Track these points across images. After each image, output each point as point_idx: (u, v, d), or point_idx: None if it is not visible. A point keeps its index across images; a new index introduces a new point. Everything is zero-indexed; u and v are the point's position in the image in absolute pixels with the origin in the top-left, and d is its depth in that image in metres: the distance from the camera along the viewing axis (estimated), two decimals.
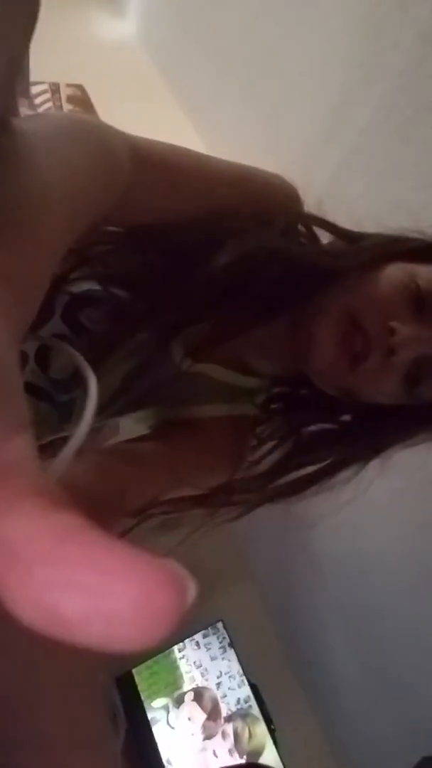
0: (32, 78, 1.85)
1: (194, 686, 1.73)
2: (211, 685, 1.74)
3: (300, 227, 0.68)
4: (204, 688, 1.73)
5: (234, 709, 1.72)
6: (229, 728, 1.69)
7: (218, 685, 1.74)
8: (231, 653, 1.79)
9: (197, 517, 0.64)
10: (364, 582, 1.56)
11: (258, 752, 1.69)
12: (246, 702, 1.74)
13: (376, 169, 1.32)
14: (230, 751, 1.66)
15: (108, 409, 0.65)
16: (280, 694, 1.84)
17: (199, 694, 1.72)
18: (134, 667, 1.69)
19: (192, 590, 0.12)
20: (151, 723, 1.63)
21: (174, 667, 1.74)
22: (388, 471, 0.69)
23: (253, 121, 1.89)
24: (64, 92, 2.18)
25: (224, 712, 1.71)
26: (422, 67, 1.17)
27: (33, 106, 2.02)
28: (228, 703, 1.73)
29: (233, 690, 1.74)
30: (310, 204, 0.71)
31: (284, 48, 1.68)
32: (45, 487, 0.15)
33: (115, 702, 1.51)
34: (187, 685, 1.72)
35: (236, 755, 1.66)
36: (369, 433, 0.68)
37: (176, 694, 1.70)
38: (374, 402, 0.65)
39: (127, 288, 0.63)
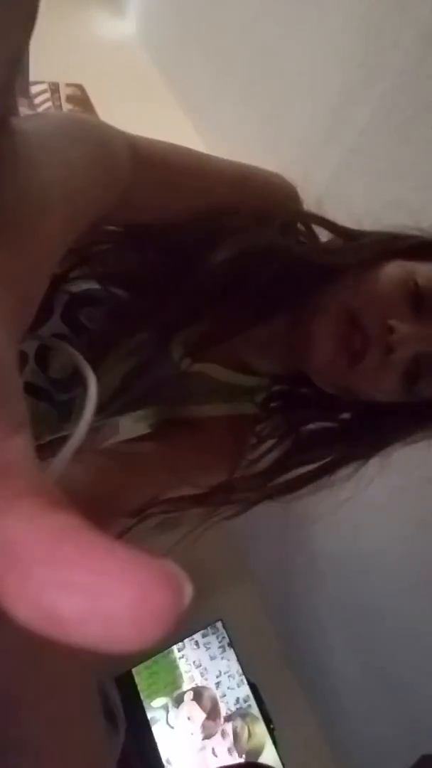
0: (32, 77, 1.85)
1: (194, 686, 1.73)
2: (211, 684, 1.74)
3: (299, 225, 0.68)
4: (203, 687, 1.73)
5: (233, 708, 1.72)
6: (228, 727, 1.69)
7: (218, 684, 1.75)
8: (230, 653, 1.79)
9: (196, 516, 0.64)
10: (364, 582, 1.56)
11: (257, 752, 1.69)
12: (245, 701, 1.74)
13: (375, 169, 1.32)
14: (229, 750, 1.66)
15: (108, 408, 0.65)
16: (280, 694, 1.84)
17: (198, 694, 1.72)
18: (134, 666, 1.69)
19: (189, 591, 0.12)
20: (151, 722, 1.63)
21: (173, 667, 1.74)
22: (388, 470, 0.69)
23: (252, 121, 1.89)
24: (64, 92, 2.19)
25: (224, 712, 1.71)
26: (422, 67, 1.17)
27: (32, 106, 2.02)
28: (227, 703, 1.73)
29: (232, 689, 1.75)
30: (310, 204, 0.71)
31: (284, 48, 1.68)
32: (43, 487, 0.15)
33: (114, 701, 1.51)
34: (186, 685, 1.72)
35: (235, 754, 1.67)
36: (368, 431, 0.68)
37: (176, 693, 1.70)
38: (373, 400, 0.65)
39: (127, 287, 0.63)
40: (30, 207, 0.27)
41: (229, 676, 1.76)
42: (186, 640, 1.78)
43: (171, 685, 1.71)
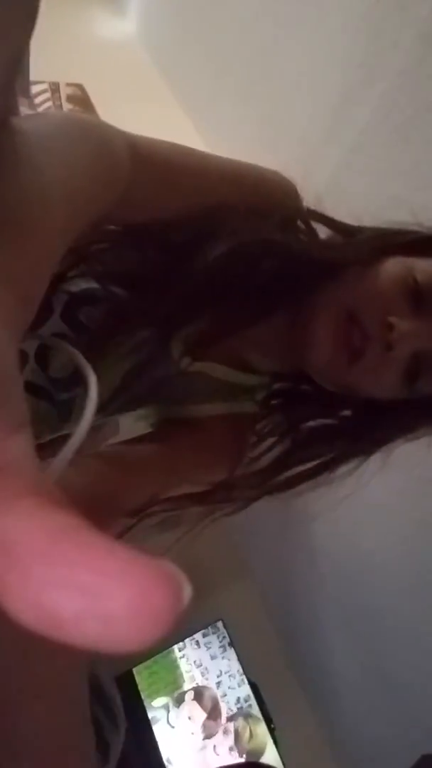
0: (32, 77, 1.84)
1: (194, 685, 1.73)
2: (211, 684, 1.74)
3: (299, 223, 0.68)
4: (204, 687, 1.73)
5: (234, 708, 1.72)
6: (230, 726, 1.69)
7: (218, 684, 1.75)
8: (231, 652, 1.79)
9: (196, 514, 0.65)
10: (365, 581, 1.56)
11: (259, 752, 1.69)
12: (246, 701, 1.74)
13: (376, 168, 1.32)
14: (230, 749, 1.66)
15: (108, 407, 0.65)
16: (280, 693, 1.84)
17: (199, 694, 1.72)
18: (134, 666, 1.69)
19: (188, 591, 0.12)
20: (152, 722, 1.63)
21: (174, 667, 1.74)
22: (388, 468, 0.69)
23: (253, 121, 1.89)
24: (64, 91, 2.19)
25: (224, 711, 1.71)
26: (422, 67, 1.17)
27: (33, 106, 2.02)
28: (228, 702, 1.73)
29: (233, 689, 1.75)
30: (310, 202, 0.71)
31: (284, 48, 1.68)
32: (43, 486, 0.15)
33: (115, 701, 1.51)
34: (187, 685, 1.72)
35: (236, 753, 1.67)
36: (369, 427, 0.68)
37: (176, 693, 1.70)
38: (374, 397, 0.65)
39: (126, 286, 0.63)
40: (30, 206, 0.27)
41: (229, 676, 1.76)
42: (186, 640, 1.78)
43: (172, 685, 1.71)
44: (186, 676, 1.74)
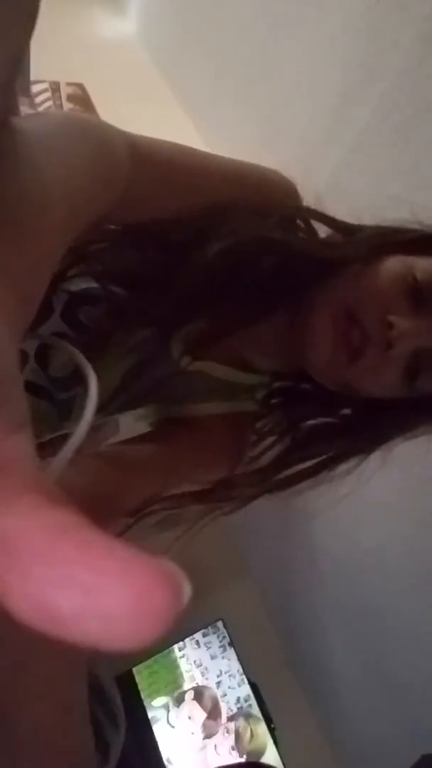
0: (33, 76, 1.84)
1: (194, 685, 1.73)
2: (211, 684, 1.74)
3: (298, 222, 0.68)
4: (204, 687, 1.73)
5: (234, 708, 1.72)
6: (231, 726, 1.69)
7: (218, 684, 1.75)
8: (231, 652, 1.79)
9: (196, 513, 0.65)
10: (365, 580, 1.56)
11: (259, 753, 1.69)
12: (246, 701, 1.74)
13: (376, 168, 1.32)
14: (231, 749, 1.67)
15: (108, 407, 0.65)
16: (280, 693, 1.84)
17: (199, 693, 1.72)
18: (134, 666, 1.69)
19: (188, 590, 0.12)
20: (152, 722, 1.64)
21: (174, 666, 1.74)
22: (388, 467, 0.69)
23: (253, 121, 1.89)
24: (65, 91, 2.19)
25: (224, 711, 1.71)
26: (422, 67, 1.17)
27: (33, 105, 2.02)
28: (228, 702, 1.73)
29: (233, 689, 1.75)
30: (310, 201, 0.71)
31: (284, 48, 1.68)
32: (44, 485, 0.15)
33: (115, 701, 1.51)
34: (187, 684, 1.73)
35: (236, 754, 1.67)
36: (369, 426, 0.68)
37: (176, 693, 1.70)
38: (374, 396, 0.65)
39: (126, 286, 0.63)
40: (30, 206, 0.27)
41: (229, 676, 1.76)
42: (186, 640, 1.78)
43: (172, 685, 1.71)
44: (186, 675, 1.74)
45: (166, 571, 0.12)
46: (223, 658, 1.78)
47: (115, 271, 0.63)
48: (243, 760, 1.66)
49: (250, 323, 0.66)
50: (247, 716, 1.72)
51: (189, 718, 1.68)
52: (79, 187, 0.34)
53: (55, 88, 2.17)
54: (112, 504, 0.56)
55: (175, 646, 1.76)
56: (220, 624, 1.82)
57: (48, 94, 2.14)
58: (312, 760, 1.81)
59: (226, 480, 0.66)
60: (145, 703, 1.65)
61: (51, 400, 0.65)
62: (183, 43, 2.35)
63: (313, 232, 0.69)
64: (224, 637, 1.80)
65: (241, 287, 0.62)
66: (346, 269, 0.63)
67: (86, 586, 0.12)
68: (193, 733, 1.66)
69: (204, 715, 1.69)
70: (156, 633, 0.12)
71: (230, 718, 1.71)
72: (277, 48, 1.71)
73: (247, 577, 2.06)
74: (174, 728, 1.65)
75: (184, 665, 1.75)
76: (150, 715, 1.64)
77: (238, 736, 1.69)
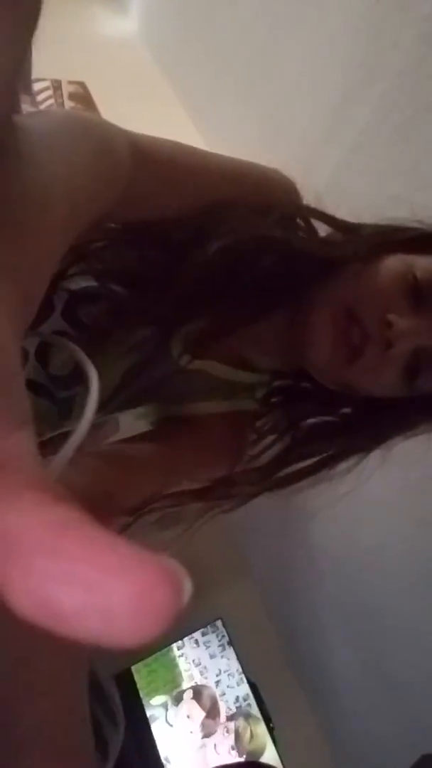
0: (34, 74, 1.84)
1: (193, 684, 1.73)
2: (210, 683, 1.74)
3: (298, 220, 0.68)
4: (203, 686, 1.73)
5: (233, 707, 1.72)
6: (231, 726, 1.69)
7: (217, 683, 1.74)
8: (230, 651, 1.79)
9: (195, 511, 0.65)
10: (364, 579, 1.56)
11: (259, 753, 1.69)
12: (245, 700, 1.74)
13: (376, 168, 1.32)
14: (231, 748, 1.67)
15: (108, 405, 0.65)
16: (279, 693, 1.84)
17: (198, 692, 1.72)
18: (133, 664, 1.69)
19: (189, 588, 0.13)
20: (150, 720, 1.63)
21: (173, 665, 1.74)
22: (388, 466, 0.69)
23: (253, 120, 1.89)
24: (66, 89, 2.19)
25: (223, 711, 1.71)
26: (422, 67, 1.17)
27: (35, 103, 2.02)
28: (227, 702, 1.73)
29: (232, 688, 1.75)
30: (310, 200, 0.71)
31: (284, 47, 1.68)
32: (45, 482, 0.15)
33: (114, 699, 1.51)
34: (186, 683, 1.72)
35: (236, 753, 1.67)
36: (369, 424, 0.68)
37: (175, 691, 1.70)
38: (373, 395, 0.65)
39: (126, 284, 0.63)
40: (32, 205, 0.27)
41: (228, 675, 1.76)
42: (186, 639, 1.77)
43: (170, 684, 1.71)
44: (185, 674, 1.73)
45: (168, 568, 0.12)
46: (222, 657, 1.78)
47: (115, 269, 0.63)
48: (242, 759, 1.66)
49: (250, 322, 0.66)
50: (247, 716, 1.72)
51: (188, 717, 1.68)
52: (80, 186, 0.34)
53: (56, 86, 2.17)
54: (111, 502, 0.57)
55: (174, 645, 1.76)
56: (219, 623, 1.81)
57: (49, 93, 2.14)
58: (311, 759, 1.81)
59: (225, 478, 0.67)
60: (144, 702, 1.65)
61: (51, 399, 0.65)
62: (184, 42, 2.35)
63: (313, 230, 0.69)
64: (223, 636, 1.80)
65: (241, 286, 0.62)
66: (346, 268, 0.63)
67: (88, 583, 0.12)
68: (191, 732, 1.66)
69: (203, 714, 1.69)
70: (157, 630, 0.12)
71: (229, 718, 1.71)
72: (278, 48, 1.71)
73: (247, 576, 2.06)
74: (172, 727, 1.65)
75: (183, 664, 1.74)
76: (148, 713, 1.64)
77: (237, 736, 1.69)
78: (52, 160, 0.31)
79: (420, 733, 1.40)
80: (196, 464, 0.67)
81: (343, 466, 0.68)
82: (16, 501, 0.14)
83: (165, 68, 2.50)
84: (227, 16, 1.97)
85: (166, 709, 1.67)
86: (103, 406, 0.63)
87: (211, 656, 1.77)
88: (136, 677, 1.67)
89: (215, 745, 1.65)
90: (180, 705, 1.69)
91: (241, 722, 1.70)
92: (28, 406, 0.18)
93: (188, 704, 1.69)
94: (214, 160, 0.64)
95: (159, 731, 1.62)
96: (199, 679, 1.74)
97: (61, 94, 2.16)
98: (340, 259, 0.63)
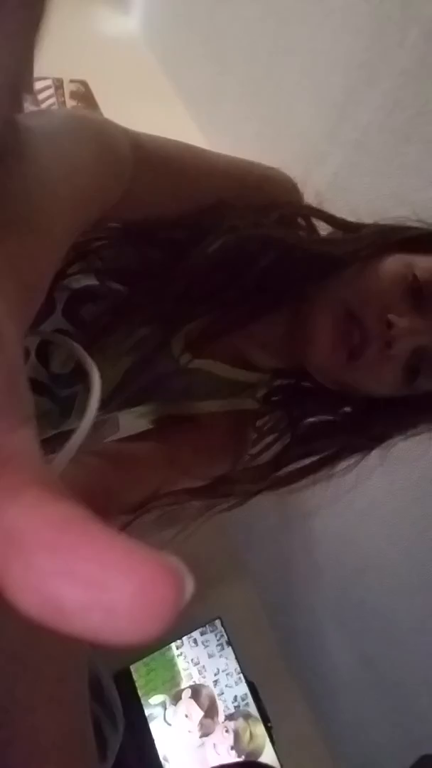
0: (36, 73, 1.84)
1: (191, 683, 1.73)
2: (209, 682, 1.74)
3: (299, 220, 0.68)
4: (201, 685, 1.74)
5: (231, 707, 1.72)
6: (230, 726, 1.69)
7: (215, 682, 1.75)
8: (228, 651, 1.79)
9: (195, 510, 0.65)
10: (363, 579, 1.56)
11: (257, 753, 1.69)
12: (243, 700, 1.74)
13: (377, 168, 1.32)
14: (230, 748, 1.67)
15: (109, 404, 0.65)
16: (278, 692, 1.84)
17: (196, 692, 1.72)
18: (132, 663, 1.69)
19: (190, 585, 0.13)
20: (149, 719, 1.64)
21: (171, 664, 1.74)
22: (387, 466, 0.69)
23: (255, 120, 1.89)
24: (68, 88, 2.18)
25: (221, 710, 1.72)
26: (425, 66, 1.17)
27: (36, 102, 2.02)
28: (225, 701, 1.73)
29: (230, 687, 1.75)
30: (311, 201, 0.71)
31: (287, 46, 1.68)
32: (48, 478, 0.15)
33: (112, 698, 1.51)
34: (184, 683, 1.73)
35: (234, 753, 1.67)
36: (369, 424, 0.68)
37: (174, 691, 1.70)
38: (374, 394, 0.65)
39: (126, 283, 0.63)
40: (35, 204, 0.27)
41: (227, 674, 1.76)
42: (184, 638, 1.78)
43: (169, 683, 1.71)
44: (183, 674, 1.74)
45: (170, 565, 0.12)
46: (220, 656, 1.78)
47: (116, 268, 0.63)
48: (241, 759, 1.66)
49: (251, 321, 0.66)
50: (246, 716, 1.72)
51: (186, 716, 1.68)
52: (82, 185, 0.34)
53: (58, 85, 2.17)
54: (112, 501, 0.57)
55: (173, 644, 1.76)
56: (218, 623, 1.82)
57: (51, 91, 2.13)
58: (309, 759, 1.81)
59: (225, 477, 0.67)
60: (143, 701, 1.65)
61: (52, 397, 0.65)
62: (186, 41, 2.35)
63: (313, 229, 0.69)
64: (222, 635, 1.81)
65: (242, 285, 0.62)
66: (346, 267, 0.63)
67: (89, 579, 0.12)
68: (189, 732, 1.66)
69: (201, 713, 1.69)
70: (158, 626, 0.12)
71: (228, 717, 1.71)
72: (280, 46, 1.71)
73: (246, 576, 2.06)
74: (171, 726, 1.65)
75: (181, 663, 1.75)
76: (147, 712, 1.64)
77: (237, 737, 1.69)
78: (54, 159, 0.31)
79: (419, 733, 1.40)
80: (197, 463, 0.67)
81: (343, 465, 0.68)
82: (19, 497, 0.14)
83: (167, 67, 2.50)
84: (229, 15, 1.97)
85: (165, 708, 1.67)
86: (104, 405, 0.63)
87: (210, 655, 1.78)
88: (135, 676, 1.68)
89: (215, 744, 1.66)
90: (178, 704, 1.69)
91: (240, 723, 1.70)
92: (31, 404, 0.18)
93: (186, 703, 1.70)
94: (215, 159, 0.64)
95: (157, 730, 1.63)
96: (197, 679, 1.74)
97: (63, 93, 2.15)
98: (341, 259, 0.63)
